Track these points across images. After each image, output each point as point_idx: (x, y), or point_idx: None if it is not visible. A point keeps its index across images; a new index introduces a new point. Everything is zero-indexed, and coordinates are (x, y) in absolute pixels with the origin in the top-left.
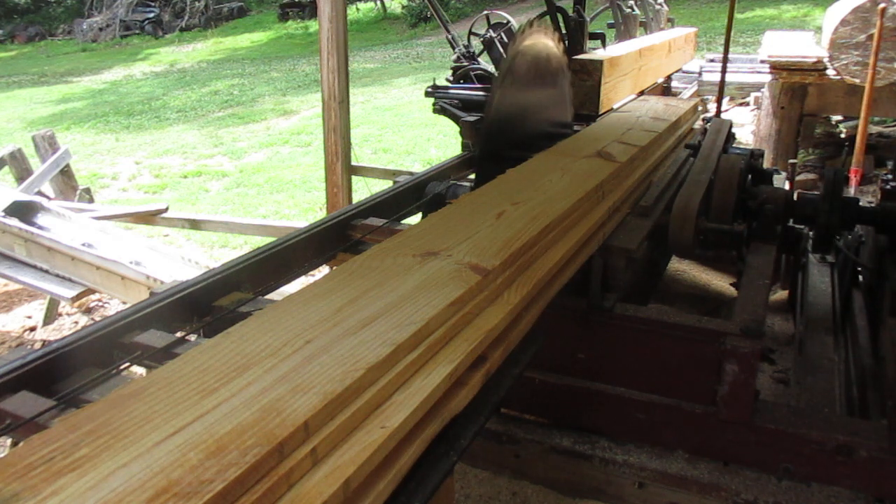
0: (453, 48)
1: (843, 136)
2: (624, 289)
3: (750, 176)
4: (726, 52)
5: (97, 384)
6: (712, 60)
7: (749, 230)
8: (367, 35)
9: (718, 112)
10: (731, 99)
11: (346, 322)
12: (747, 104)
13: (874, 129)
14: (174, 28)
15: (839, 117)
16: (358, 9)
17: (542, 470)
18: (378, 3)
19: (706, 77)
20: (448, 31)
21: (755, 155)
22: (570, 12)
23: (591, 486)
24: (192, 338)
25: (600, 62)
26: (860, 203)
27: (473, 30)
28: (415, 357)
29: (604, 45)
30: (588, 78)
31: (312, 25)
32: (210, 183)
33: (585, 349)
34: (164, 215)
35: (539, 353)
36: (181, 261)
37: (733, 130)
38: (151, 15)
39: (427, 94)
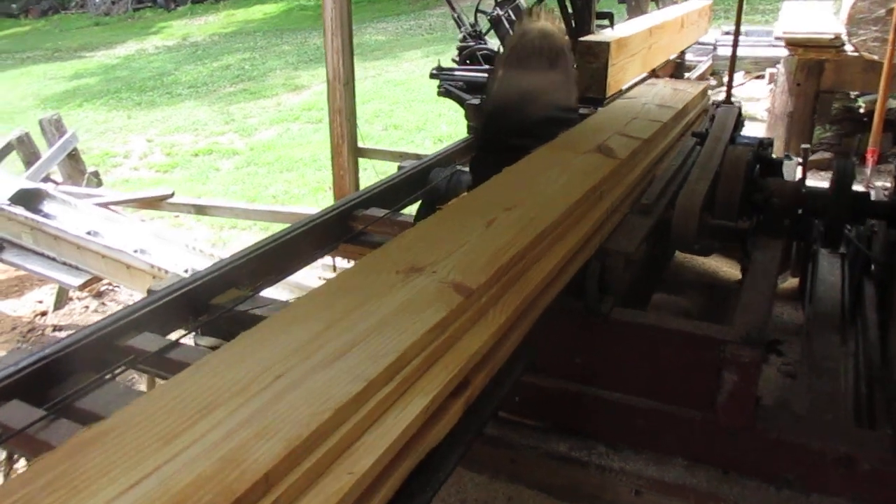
0: (459, 27)
1: (861, 111)
2: (622, 291)
3: (758, 166)
4: (737, 33)
5: (91, 390)
6: (727, 33)
7: (756, 224)
8: (379, 6)
9: (728, 97)
10: (747, 73)
11: (320, 352)
12: (763, 77)
13: (894, 103)
14: (186, 1)
15: (857, 92)
16: None
17: (539, 475)
18: None
19: (721, 51)
20: (454, 10)
21: (764, 144)
22: None
23: (588, 493)
24: (190, 338)
25: (607, 44)
26: (870, 197)
27: (481, 7)
28: (389, 391)
29: (612, 24)
30: (594, 60)
31: None
32: (221, 161)
33: (583, 353)
34: (170, 201)
35: (532, 363)
36: (186, 249)
37: (742, 117)
38: None
39: (432, 76)
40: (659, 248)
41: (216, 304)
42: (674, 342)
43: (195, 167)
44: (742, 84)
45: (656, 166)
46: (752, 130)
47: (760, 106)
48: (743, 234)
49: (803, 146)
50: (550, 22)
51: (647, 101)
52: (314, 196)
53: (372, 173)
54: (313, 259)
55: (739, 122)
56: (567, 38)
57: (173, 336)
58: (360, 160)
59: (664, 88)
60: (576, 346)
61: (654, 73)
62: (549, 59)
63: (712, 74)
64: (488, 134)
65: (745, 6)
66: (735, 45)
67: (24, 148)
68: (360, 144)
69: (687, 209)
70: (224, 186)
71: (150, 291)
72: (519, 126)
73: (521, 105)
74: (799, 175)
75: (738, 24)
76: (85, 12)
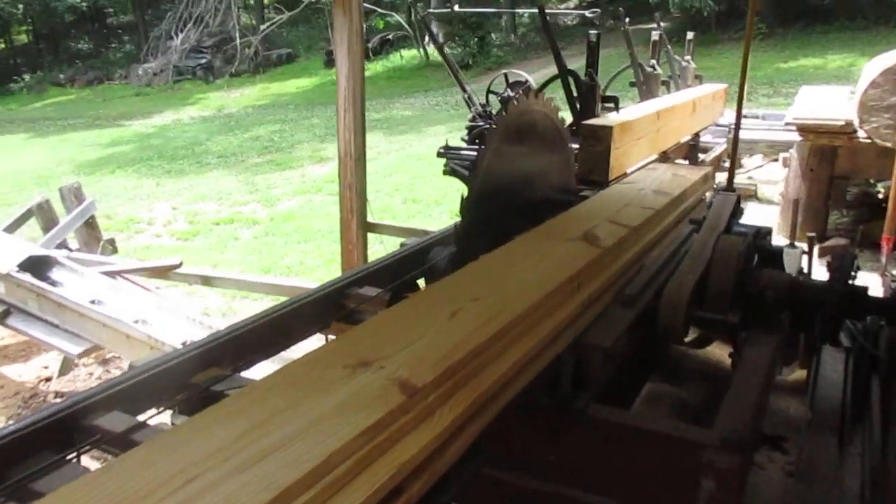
0: (469, 107)
1: (880, 196)
2: (600, 386)
3: (756, 257)
4: (738, 118)
5: (49, 471)
6: (745, 117)
7: (748, 318)
8: (410, 82)
9: (730, 183)
10: (765, 156)
11: (241, 454)
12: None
13: None
14: (225, 73)
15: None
16: (401, 56)
17: None
18: (421, 50)
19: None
20: (464, 90)
21: (761, 234)
22: (583, 76)
23: None
24: (167, 415)
25: (610, 128)
26: (868, 294)
27: (492, 88)
28: (305, 500)
29: (616, 108)
30: (597, 144)
31: None
32: (241, 230)
33: (556, 451)
34: (178, 271)
35: (484, 465)
36: (187, 320)
37: (741, 205)
38: (203, 61)
39: (439, 154)
40: (648, 340)
41: (195, 382)
42: (650, 444)
43: (215, 236)
44: (760, 167)
45: (646, 255)
46: (768, 213)
47: (777, 189)
48: (733, 327)
49: (809, 234)
50: (544, 105)
51: (644, 186)
52: (328, 268)
53: (380, 248)
54: (304, 337)
55: (738, 209)
56: (558, 120)
57: (150, 414)
58: (370, 234)
59: (664, 174)
60: (550, 442)
61: (665, 156)
62: (539, 141)
63: (729, 156)
64: (473, 208)
65: (768, 89)
66: (737, 128)
67: (44, 214)
68: (370, 219)
69: (674, 300)
70: (241, 255)
71: (131, 367)
72: (501, 204)
73: (507, 183)
74: (804, 264)
75: (739, 109)
76: (128, 83)
